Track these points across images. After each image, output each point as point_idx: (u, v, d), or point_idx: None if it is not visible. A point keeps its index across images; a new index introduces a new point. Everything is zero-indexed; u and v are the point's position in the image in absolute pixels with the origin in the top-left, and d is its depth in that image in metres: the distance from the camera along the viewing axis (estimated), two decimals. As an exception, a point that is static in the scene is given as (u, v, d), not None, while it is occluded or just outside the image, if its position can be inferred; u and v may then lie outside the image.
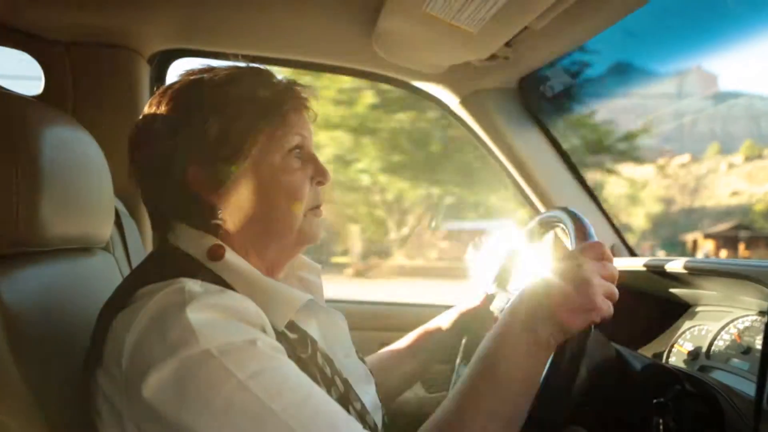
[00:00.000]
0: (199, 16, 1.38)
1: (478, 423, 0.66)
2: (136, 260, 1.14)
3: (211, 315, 0.60)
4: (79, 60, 1.40)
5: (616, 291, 0.70)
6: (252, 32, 1.46)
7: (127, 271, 1.07)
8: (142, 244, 1.24)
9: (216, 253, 0.72)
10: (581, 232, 0.80)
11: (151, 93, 1.54)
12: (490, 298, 1.09)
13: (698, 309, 1.24)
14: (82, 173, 0.84)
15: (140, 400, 0.57)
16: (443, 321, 1.12)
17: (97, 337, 0.66)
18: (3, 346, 0.64)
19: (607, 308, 0.68)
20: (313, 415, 0.58)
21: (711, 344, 1.10)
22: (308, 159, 0.80)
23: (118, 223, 1.13)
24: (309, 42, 1.52)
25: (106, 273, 0.98)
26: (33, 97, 1.37)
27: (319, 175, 0.80)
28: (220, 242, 0.73)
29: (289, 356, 0.66)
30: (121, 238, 1.12)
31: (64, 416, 0.70)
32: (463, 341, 1.10)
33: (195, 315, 0.59)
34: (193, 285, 0.64)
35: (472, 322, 1.10)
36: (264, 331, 0.66)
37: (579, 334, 0.69)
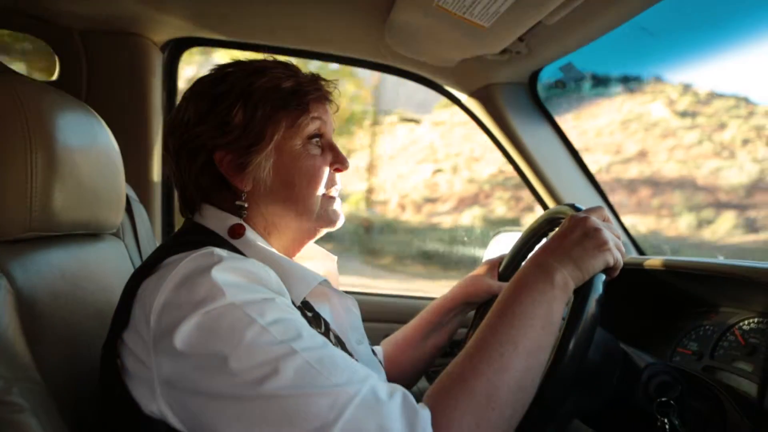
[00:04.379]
0: (211, 5, 1.39)
1: (494, 357, 0.65)
2: (146, 247, 1.15)
3: (236, 277, 0.64)
4: (93, 47, 1.41)
5: (622, 246, 0.75)
6: (264, 22, 1.46)
7: (136, 258, 1.09)
8: (152, 230, 1.25)
9: (236, 232, 0.77)
10: None
11: (164, 80, 1.56)
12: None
13: (703, 309, 1.24)
14: (95, 159, 0.85)
15: (169, 353, 0.60)
16: (454, 292, 1.12)
17: (123, 304, 0.68)
18: (16, 329, 0.65)
19: (619, 256, 0.73)
20: (330, 355, 0.62)
21: (715, 345, 1.10)
22: (328, 147, 0.85)
23: (129, 210, 1.14)
24: (321, 33, 1.52)
25: (115, 259, 0.99)
26: (47, 83, 1.39)
27: (337, 162, 0.85)
28: (241, 222, 0.78)
29: None
30: (132, 224, 1.13)
31: (76, 397, 0.72)
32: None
33: (221, 275, 0.63)
34: (219, 250, 0.68)
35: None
36: (282, 296, 0.69)
37: (595, 278, 0.71)
